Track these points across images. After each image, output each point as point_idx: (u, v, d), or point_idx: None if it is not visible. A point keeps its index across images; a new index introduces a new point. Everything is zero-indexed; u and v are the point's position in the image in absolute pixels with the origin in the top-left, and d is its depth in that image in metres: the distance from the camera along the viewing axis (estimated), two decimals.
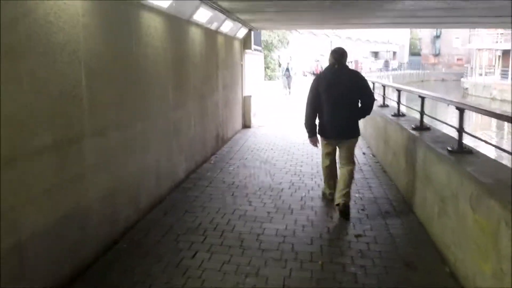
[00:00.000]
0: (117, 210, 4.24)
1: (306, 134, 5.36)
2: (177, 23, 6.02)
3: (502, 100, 29.76)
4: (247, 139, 9.93)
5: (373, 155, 8.25)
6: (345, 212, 4.96)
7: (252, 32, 11.52)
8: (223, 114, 8.98)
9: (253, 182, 6.31)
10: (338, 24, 10.97)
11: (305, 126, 5.30)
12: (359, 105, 5.14)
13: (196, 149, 6.93)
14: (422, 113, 5.67)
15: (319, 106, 5.08)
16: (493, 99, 31.02)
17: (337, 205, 5.02)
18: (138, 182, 4.75)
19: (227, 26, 8.76)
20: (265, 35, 28.58)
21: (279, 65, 22.44)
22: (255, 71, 14.34)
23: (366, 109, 5.21)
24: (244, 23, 9.91)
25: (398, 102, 7.25)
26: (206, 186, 6.11)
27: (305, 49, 41.93)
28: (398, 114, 7.18)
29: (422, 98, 5.60)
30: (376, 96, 7.28)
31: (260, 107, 15.01)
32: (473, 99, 30.96)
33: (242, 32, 10.51)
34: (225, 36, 9.06)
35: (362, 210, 5.26)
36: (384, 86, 8.87)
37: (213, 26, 7.90)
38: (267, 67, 30.09)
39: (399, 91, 7.22)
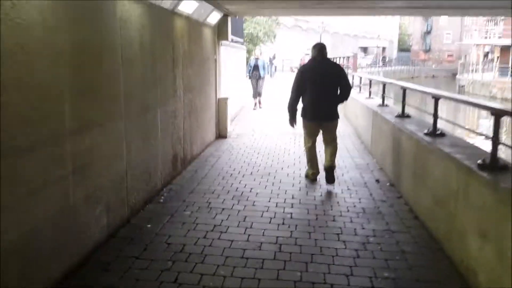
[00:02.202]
0: None
1: (300, 148, 6.16)
2: None
3: (503, 99, 27.85)
4: (220, 156, 7.59)
5: (391, 184, 5.98)
6: (330, 174, 5.93)
7: (229, 19, 9.17)
8: (185, 126, 6.64)
9: (216, 246, 3.97)
10: (332, 7, 8.66)
11: (288, 110, 6.09)
12: (338, 92, 5.91)
13: (132, 186, 4.59)
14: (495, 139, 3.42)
15: (303, 93, 5.85)
16: (493, 97, 29.12)
17: (325, 168, 5.99)
18: None
19: (190, 6, 6.41)
20: (250, 27, 26.30)
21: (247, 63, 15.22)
22: (235, 67, 12.00)
23: (345, 95, 6.01)
24: (216, 4, 7.56)
25: (435, 115, 4.96)
26: (135, 258, 3.72)
27: (293, 44, 39.70)
28: (435, 133, 4.90)
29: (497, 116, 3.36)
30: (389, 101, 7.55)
31: (240, 111, 12.70)
32: (472, 97, 29.04)
33: (214, 17, 8.16)
34: (188, 20, 6.71)
35: None
36: (404, 89, 6.58)
37: (166, 3, 5.55)
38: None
39: (437, 99, 4.93)
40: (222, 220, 4.55)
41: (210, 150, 8.03)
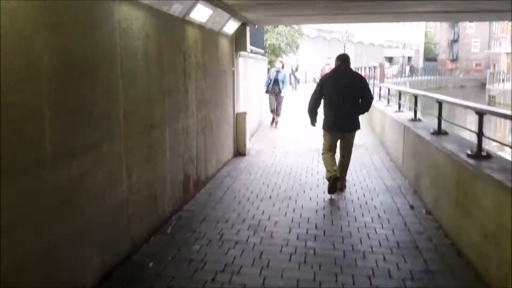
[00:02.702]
0: None
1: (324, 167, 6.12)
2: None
3: None
4: (237, 176, 7.01)
5: (428, 212, 5.29)
6: (333, 184, 5.77)
7: (248, 28, 8.66)
8: (199, 143, 6.11)
9: None
10: (357, 14, 8.05)
11: (308, 113, 6.15)
12: (360, 102, 5.91)
13: (134, 214, 4.05)
14: None
15: (324, 103, 5.95)
16: None
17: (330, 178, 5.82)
18: None
19: (203, 13, 5.91)
20: (271, 37, 25.85)
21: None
22: (255, 80, 11.47)
23: (366, 106, 5.99)
24: (233, 12, 7.05)
25: (480, 134, 4.29)
26: None
27: (316, 54, 39.06)
28: (480, 154, 4.23)
29: None
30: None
31: (259, 127, 12.14)
32: (503, 108, 27.77)
33: (231, 27, 7.65)
34: (202, 29, 6.20)
35: None
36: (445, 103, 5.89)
37: (175, 11, 5.05)
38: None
39: (481, 114, 4.25)
40: (234, 257, 3.96)
41: (227, 169, 7.47)
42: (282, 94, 12.07)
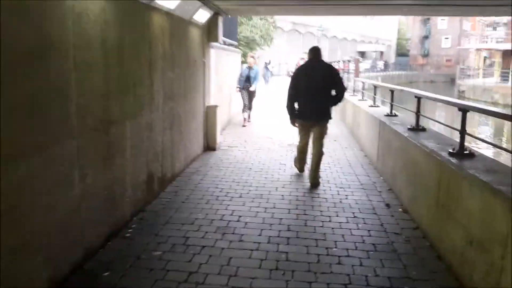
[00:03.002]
0: None
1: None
2: None
3: (506, 105, 27.04)
4: (206, 172, 6.66)
5: (405, 211, 5.08)
6: (314, 187, 6.00)
7: (220, 18, 8.27)
8: (165, 139, 5.73)
9: None
10: (335, 5, 7.79)
11: (287, 110, 6.19)
12: (333, 93, 6.01)
13: (88, 220, 3.66)
14: None
15: (298, 94, 6.04)
16: (495, 103, 28.31)
17: (310, 182, 6.07)
18: None
19: (172, 0, 5.51)
20: (246, 30, 25.46)
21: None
22: (227, 72, 11.09)
23: (339, 96, 6.06)
24: (204, 0, 6.66)
25: (463, 131, 4.07)
26: None
27: (291, 48, 38.86)
28: (463, 153, 4.02)
29: None
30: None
31: (232, 120, 11.79)
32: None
33: (203, 16, 7.26)
34: (170, 17, 5.80)
35: None
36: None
37: None
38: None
39: (465, 111, 4.04)
40: (200, 265, 3.62)
41: (195, 165, 7.10)
42: (251, 88, 11.08)
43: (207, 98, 8.31)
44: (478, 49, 38.02)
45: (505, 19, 37.52)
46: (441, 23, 64.74)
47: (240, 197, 5.52)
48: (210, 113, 8.25)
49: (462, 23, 63.51)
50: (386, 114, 7.29)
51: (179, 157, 6.48)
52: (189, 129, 7.06)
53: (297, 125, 6.27)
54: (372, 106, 8.85)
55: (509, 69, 29.59)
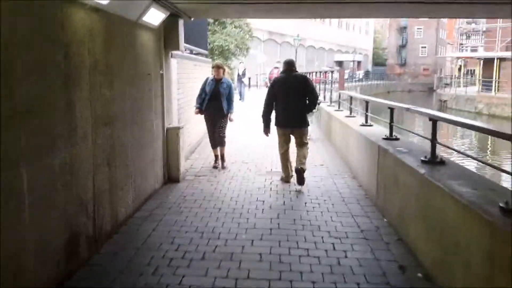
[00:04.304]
0: None
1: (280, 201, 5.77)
2: None
3: (491, 115, 26.30)
4: (161, 219, 5.12)
5: (427, 278, 3.66)
6: (300, 176, 6.30)
7: (181, 22, 6.81)
8: (99, 181, 4.20)
9: None
10: (315, 5, 6.47)
11: (262, 119, 6.70)
12: (307, 101, 6.52)
13: None
14: None
15: (276, 103, 6.54)
16: (479, 113, 27.58)
17: (296, 170, 6.37)
18: None
19: None
20: (220, 39, 24.10)
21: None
22: (195, 86, 9.59)
23: (312, 105, 6.63)
24: None
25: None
26: None
27: (268, 58, 37.61)
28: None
29: None
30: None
31: (202, 140, 10.25)
32: (455, 113, 27.38)
33: (156, 17, 5.79)
34: (106, 16, 4.32)
35: None
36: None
37: None
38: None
39: None
40: None
41: (150, 205, 5.58)
42: (224, 111, 7.53)
43: (168, 118, 6.82)
44: (458, 58, 37.41)
45: (484, 27, 37.15)
46: (418, 32, 64.85)
47: (203, 259, 4.02)
48: (171, 137, 6.76)
49: (439, 31, 63.72)
50: (384, 137, 5.92)
51: (125, 199, 4.96)
52: (141, 160, 5.56)
53: (269, 135, 6.76)
54: (363, 125, 7.49)
55: (490, 78, 28.94)
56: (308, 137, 6.73)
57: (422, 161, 4.35)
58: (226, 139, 7.83)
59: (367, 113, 7.52)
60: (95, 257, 4.02)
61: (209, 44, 24.27)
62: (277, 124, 6.59)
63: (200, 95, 7.69)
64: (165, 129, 6.65)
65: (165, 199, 5.88)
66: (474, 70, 51.53)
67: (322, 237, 4.58)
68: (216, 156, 7.86)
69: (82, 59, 3.84)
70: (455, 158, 9.39)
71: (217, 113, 7.54)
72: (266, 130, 6.69)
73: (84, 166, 3.88)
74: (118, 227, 4.70)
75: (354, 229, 4.85)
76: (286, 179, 6.76)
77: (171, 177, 6.75)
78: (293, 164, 6.62)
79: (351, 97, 9.15)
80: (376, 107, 7.45)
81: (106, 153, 4.38)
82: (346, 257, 4.13)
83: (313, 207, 5.58)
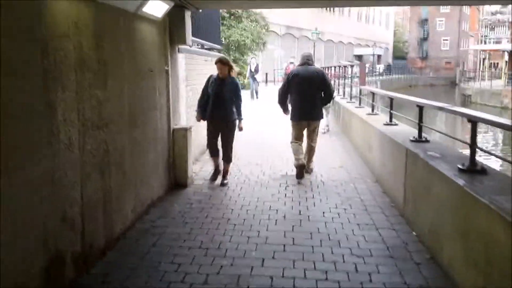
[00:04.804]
0: None
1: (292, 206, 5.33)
2: None
3: None
4: (163, 231, 4.61)
5: None
6: (300, 170, 6.49)
7: (188, 13, 6.30)
8: (88, 192, 3.72)
9: None
10: None
11: (279, 103, 6.87)
12: (322, 95, 6.68)
13: None
14: None
15: (291, 96, 6.69)
16: (504, 108, 26.47)
17: (298, 165, 6.52)
18: None
19: None
20: (235, 33, 23.59)
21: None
22: None
23: (328, 97, 6.84)
24: None
25: None
26: None
27: (286, 53, 36.91)
28: None
29: None
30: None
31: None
32: (480, 108, 26.29)
33: (158, 8, 5.28)
34: (97, 5, 3.83)
35: None
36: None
37: None
38: (239, 73, 25.03)
39: None
40: None
41: (152, 215, 5.09)
42: (238, 127, 6.27)
43: (175, 118, 6.32)
44: (483, 50, 36.05)
45: (510, 17, 35.65)
46: (439, 24, 63.16)
47: (205, 283, 3.50)
48: (178, 138, 6.26)
49: (461, 23, 61.97)
50: (413, 138, 5.31)
51: (123, 209, 4.48)
52: (143, 165, 5.07)
53: (288, 113, 6.85)
54: (387, 124, 6.87)
55: None
56: (323, 131, 7.26)
57: (460, 170, 3.76)
58: (237, 143, 6.87)
59: (391, 111, 6.89)
60: (83, 279, 3.54)
61: (225, 39, 23.82)
62: (292, 117, 6.72)
63: (202, 97, 6.31)
64: (171, 130, 6.16)
65: (170, 207, 5.38)
66: (498, 63, 49.96)
67: (342, 255, 4.02)
68: (216, 167, 6.45)
69: (66, 55, 3.34)
70: (490, 162, 8.63)
71: (222, 122, 6.14)
72: (285, 110, 6.87)
73: (69, 176, 3.39)
74: (114, 242, 4.22)
75: (379, 245, 4.27)
76: (298, 168, 6.59)
77: (178, 181, 6.26)
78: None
79: (373, 93, 8.50)
80: (397, 102, 6.81)
81: (98, 160, 3.90)
82: (370, 281, 3.56)
83: (332, 218, 5.02)
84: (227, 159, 6.42)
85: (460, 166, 3.78)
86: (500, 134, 18.86)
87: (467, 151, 4.00)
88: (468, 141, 3.81)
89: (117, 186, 4.32)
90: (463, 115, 3.93)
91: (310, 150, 6.85)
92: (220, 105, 6.11)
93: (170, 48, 6.08)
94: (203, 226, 4.75)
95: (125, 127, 4.52)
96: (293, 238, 4.42)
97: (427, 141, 5.21)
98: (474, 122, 3.72)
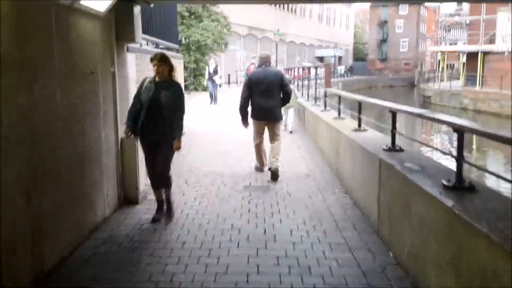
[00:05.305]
0: None
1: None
2: None
3: (476, 110, 25.68)
4: (103, 264, 3.90)
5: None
6: (274, 174, 6.56)
7: (137, 8, 5.63)
8: (5, 221, 3.02)
9: None
10: None
11: (239, 112, 6.86)
12: (281, 95, 6.76)
13: None
14: None
15: (252, 97, 6.67)
16: (464, 108, 26.97)
17: (269, 169, 6.63)
18: None
19: None
20: (196, 33, 22.91)
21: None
22: None
23: (286, 98, 6.85)
24: None
25: None
26: None
27: (248, 53, 36.41)
28: None
29: None
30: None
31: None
32: (440, 109, 26.68)
33: (100, 1, 4.59)
34: None
35: None
36: None
37: None
38: (199, 75, 24.32)
39: None
40: None
41: (94, 241, 4.38)
42: (173, 146, 4.82)
43: (124, 126, 5.62)
44: (442, 51, 36.77)
45: (468, 19, 36.53)
46: (399, 26, 64.42)
47: None
48: (126, 149, 5.57)
49: (419, 25, 63.43)
50: (386, 147, 4.86)
51: (57, 238, 3.78)
52: (83, 182, 4.38)
53: (248, 127, 6.90)
54: (356, 130, 6.43)
55: (475, 72, 28.35)
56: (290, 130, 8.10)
57: (445, 186, 3.30)
58: (197, 151, 6.43)
59: (360, 116, 6.45)
60: None
61: (185, 39, 23.04)
62: (252, 116, 6.80)
63: (133, 105, 4.89)
64: (119, 140, 5.47)
65: (116, 229, 4.70)
66: (454, 64, 51.32)
67: (314, 286, 3.49)
68: (158, 202, 5.06)
69: None
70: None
71: (159, 136, 4.77)
72: (244, 122, 6.87)
73: None
74: (44, 278, 3.52)
75: (354, 270, 3.77)
76: (260, 169, 7.02)
77: (128, 198, 5.57)
78: (267, 155, 6.89)
79: (339, 97, 8.06)
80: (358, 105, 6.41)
81: (22, 182, 3.20)
82: None
83: (301, 237, 4.50)
84: (167, 183, 4.97)
85: (445, 183, 3.32)
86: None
87: (445, 161, 3.56)
88: (454, 153, 3.35)
89: (49, 211, 3.62)
90: (447, 123, 3.48)
91: (274, 151, 6.75)
92: (157, 115, 4.70)
93: (116, 47, 5.40)
94: (154, 253, 4.11)
95: (58, 140, 3.83)
96: (258, 265, 3.85)
97: (401, 150, 4.77)
98: (461, 132, 3.27)
